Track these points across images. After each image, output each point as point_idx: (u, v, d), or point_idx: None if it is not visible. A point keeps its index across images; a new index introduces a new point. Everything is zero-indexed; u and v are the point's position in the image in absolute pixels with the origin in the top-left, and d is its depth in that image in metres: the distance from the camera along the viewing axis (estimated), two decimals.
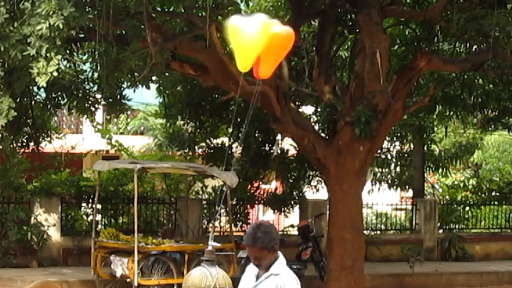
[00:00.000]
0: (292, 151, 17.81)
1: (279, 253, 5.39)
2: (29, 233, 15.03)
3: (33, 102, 14.05)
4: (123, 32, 11.43)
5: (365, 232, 15.36)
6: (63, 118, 24.02)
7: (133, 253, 12.70)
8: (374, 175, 19.24)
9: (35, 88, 13.43)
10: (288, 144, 17.99)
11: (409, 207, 19.99)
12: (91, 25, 10.43)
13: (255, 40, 5.61)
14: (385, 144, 17.82)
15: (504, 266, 18.23)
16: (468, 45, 14.21)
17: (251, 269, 5.49)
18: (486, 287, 17.02)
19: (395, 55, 15.08)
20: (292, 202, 17.82)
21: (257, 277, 5.41)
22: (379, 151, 16.59)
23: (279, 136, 17.24)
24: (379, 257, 18.07)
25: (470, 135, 24.29)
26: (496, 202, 20.43)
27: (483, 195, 20.51)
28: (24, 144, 14.85)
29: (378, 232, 19.13)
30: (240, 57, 5.74)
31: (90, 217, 16.15)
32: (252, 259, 5.41)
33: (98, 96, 13.95)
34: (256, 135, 17.05)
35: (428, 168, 21.28)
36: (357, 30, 13.31)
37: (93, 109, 14.06)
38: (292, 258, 14.26)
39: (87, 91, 13.84)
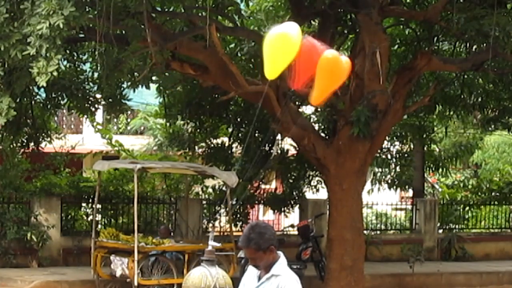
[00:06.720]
0: (292, 151, 17.79)
1: (280, 253, 5.38)
2: (29, 233, 15.02)
3: (33, 102, 14.05)
4: (123, 32, 11.43)
5: (365, 232, 15.35)
6: (63, 118, 24.00)
7: (133, 253, 12.69)
8: (374, 175, 19.22)
9: (35, 88, 13.42)
10: (288, 144, 17.98)
11: (409, 207, 19.99)
12: (91, 25, 10.44)
13: (290, 47, 5.44)
14: (385, 144, 17.80)
15: (504, 266, 18.22)
16: (468, 45, 14.20)
17: (252, 270, 5.49)
18: (486, 287, 17.01)
19: (395, 55, 15.08)
20: (292, 202, 17.80)
21: (259, 278, 5.41)
22: (379, 151, 16.57)
23: (279, 136, 17.22)
24: (379, 257, 18.06)
25: (470, 135, 24.28)
26: (496, 202, 20.43)
27: (483, 195, 20.52)
28: (24, 144, 14.84)
29: (378, 232, 19.12)
30: (270, 64, 5.56)
31: (90, 217, 16.14)
32: (249, 260, 5.41)
33: (98, 96, 13.95)
34: (256, 135, 17.04)
35: (428, 168, 21.27)
36: (357, 30, 13.30)
37: (93, 109, 14.06)
38: (292, 258, 14.25)
39: (87, 91, 13.83)
